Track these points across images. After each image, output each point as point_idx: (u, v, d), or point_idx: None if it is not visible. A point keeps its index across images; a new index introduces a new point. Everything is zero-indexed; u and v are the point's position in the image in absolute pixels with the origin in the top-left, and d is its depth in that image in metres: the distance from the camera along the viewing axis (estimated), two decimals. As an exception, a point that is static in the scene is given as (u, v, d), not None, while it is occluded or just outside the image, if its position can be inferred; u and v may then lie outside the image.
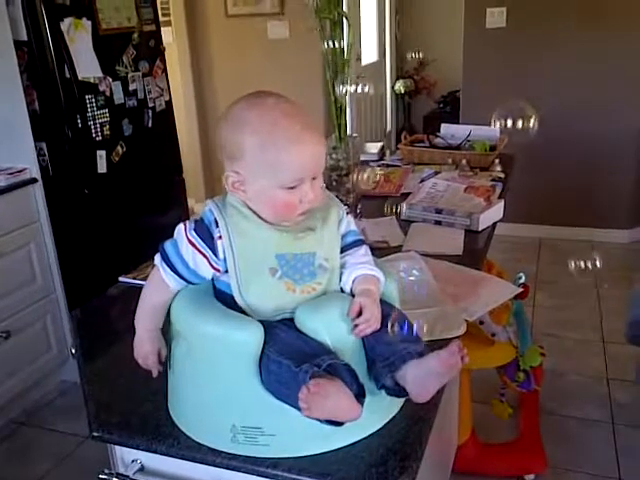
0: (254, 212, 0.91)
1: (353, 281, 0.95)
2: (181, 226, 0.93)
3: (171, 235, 0.94)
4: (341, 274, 0.97)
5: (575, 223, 4.02)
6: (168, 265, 0.92)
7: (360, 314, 0.89)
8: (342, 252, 0.98)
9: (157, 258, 0.94)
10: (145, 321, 0.98)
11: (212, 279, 0.95)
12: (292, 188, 0.88)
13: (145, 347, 0.97)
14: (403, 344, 0.88)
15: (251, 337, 0.86)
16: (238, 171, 0.90)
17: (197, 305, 0.92)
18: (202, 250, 0.90)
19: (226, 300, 0.93)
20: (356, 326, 0.88)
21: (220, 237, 0.90)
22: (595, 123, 3.80)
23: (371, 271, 0.96)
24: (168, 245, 0.93)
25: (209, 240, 0.90)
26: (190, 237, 0.91)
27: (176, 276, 0.92)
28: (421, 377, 0.85)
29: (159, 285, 0.94)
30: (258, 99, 0.90)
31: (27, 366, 2.50)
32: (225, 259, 0.90)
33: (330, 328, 0.88)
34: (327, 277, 0.94)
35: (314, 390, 0.78)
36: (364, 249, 1.00)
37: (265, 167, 0.87)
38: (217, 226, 0.90)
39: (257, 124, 0.87)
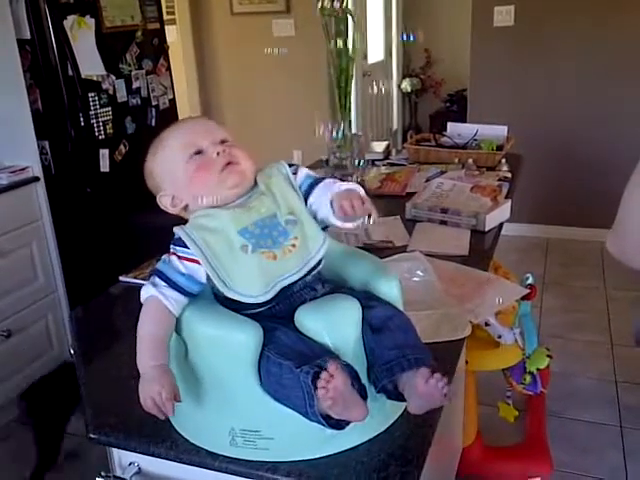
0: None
1: (331, 204, 0.91)
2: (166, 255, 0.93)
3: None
4: (317, 218, 0.94)
5: (584, 224, 3.98)
6: (165, 281, 0.90)
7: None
8: (307, 200, 0.95)
9: (147, 290, 0.91)
10: (149, 358, 0.88)
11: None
12: (196, 154, 0.94)
13: (155, 385, 0.85)
14: (403, 351, 0.86)
15: (249, 338, 0.84)
16: (164, 188, 0.97)
17: (195, 307, 0.91)
18: (190, 257, 0.89)
19: (227, 303, 0.91)
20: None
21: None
22: (604, 122, 3.76)
23: (340, 187, 0.92)
24: (159, 265, 0.92)
25: None
26: (174, 251, 0.91)
27: (175, 292, 0.89)
28: (417, 393, 0.83)
29: (157, 314, 0.90)
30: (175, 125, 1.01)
31: (29, 365, 2.49)
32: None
33: (331, 329, 0.86)
34: (299, 229, 0.91)
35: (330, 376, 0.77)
36: (325, 181, 0.96)
37: (166, 156, 0.96)
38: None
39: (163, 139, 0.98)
